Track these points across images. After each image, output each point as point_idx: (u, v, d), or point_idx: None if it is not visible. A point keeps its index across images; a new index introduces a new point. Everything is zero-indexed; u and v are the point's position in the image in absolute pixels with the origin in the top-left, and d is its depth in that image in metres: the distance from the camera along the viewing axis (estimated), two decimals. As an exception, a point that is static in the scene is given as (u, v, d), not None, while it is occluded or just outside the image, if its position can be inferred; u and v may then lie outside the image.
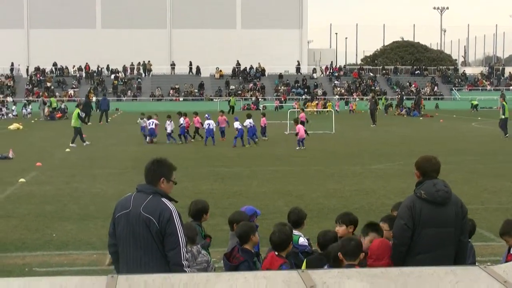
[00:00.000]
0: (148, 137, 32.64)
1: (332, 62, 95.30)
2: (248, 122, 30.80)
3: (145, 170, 6.36)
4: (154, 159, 6.47)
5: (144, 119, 34.01)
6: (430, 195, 6.52)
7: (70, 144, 30.80)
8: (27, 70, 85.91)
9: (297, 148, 29.12)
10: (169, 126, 32.41)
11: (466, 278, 3.47)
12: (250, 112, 38.38)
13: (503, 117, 35.11)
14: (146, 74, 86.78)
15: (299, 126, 29.99)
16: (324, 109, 62.64)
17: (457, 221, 6.62)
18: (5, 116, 59.83)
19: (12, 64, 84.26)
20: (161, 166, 6.36)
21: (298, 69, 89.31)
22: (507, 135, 34.39)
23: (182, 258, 6.06)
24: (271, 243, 7.13)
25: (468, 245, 7.05)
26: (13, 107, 64.29)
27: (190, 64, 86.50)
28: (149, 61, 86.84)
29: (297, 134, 29.85)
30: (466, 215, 6.79)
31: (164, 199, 6.18)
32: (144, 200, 6.15)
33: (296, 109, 48.85)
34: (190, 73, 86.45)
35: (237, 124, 30.87)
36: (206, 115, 32.40)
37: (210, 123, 30.84)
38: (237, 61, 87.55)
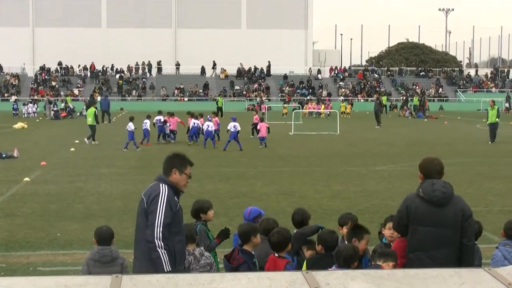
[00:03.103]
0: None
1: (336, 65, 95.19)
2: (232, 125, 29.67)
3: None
4: (173, 152, 6.80)
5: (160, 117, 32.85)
6: (427, 194, 6.57)
7: (92, 141, 31.95)
8: (33, 69, 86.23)
9: (260, 146, 29.75)
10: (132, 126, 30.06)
11: (471, 280, 3.47)
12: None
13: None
14: (157, 72, 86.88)
15: (262, 124, 30.16)
16: (316, 110, 62.63)
17: (456, 223, 6.55)
18: (51, 113, 58.39)
19: (24, 69, 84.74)
20: (174, 157, 6.62)
21: (268, 71, 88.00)
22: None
23: (155, 237, 6.15)
24: (269, 243, 7.14)
25: (475, 248, 7.01)
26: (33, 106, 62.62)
27: (203, 69, 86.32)
28: (159, 61, 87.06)
29: (258, 131, 30.50)
30: (470, 218, 6.68)
31: (163, 184, 6.38)
32: (148, 185, 6.56)
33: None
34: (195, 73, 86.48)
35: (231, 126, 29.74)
36: (208, 117, 32.14)
37: (209, 125, 30.28)
38: (212, 61, 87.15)
